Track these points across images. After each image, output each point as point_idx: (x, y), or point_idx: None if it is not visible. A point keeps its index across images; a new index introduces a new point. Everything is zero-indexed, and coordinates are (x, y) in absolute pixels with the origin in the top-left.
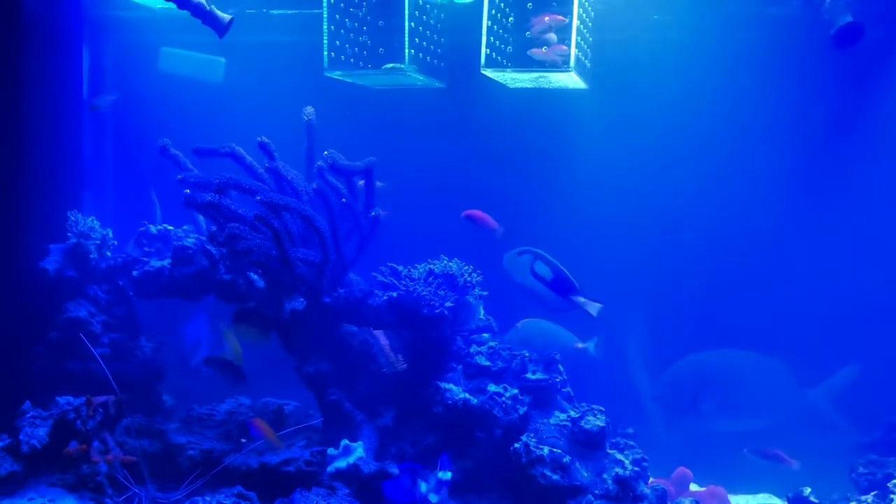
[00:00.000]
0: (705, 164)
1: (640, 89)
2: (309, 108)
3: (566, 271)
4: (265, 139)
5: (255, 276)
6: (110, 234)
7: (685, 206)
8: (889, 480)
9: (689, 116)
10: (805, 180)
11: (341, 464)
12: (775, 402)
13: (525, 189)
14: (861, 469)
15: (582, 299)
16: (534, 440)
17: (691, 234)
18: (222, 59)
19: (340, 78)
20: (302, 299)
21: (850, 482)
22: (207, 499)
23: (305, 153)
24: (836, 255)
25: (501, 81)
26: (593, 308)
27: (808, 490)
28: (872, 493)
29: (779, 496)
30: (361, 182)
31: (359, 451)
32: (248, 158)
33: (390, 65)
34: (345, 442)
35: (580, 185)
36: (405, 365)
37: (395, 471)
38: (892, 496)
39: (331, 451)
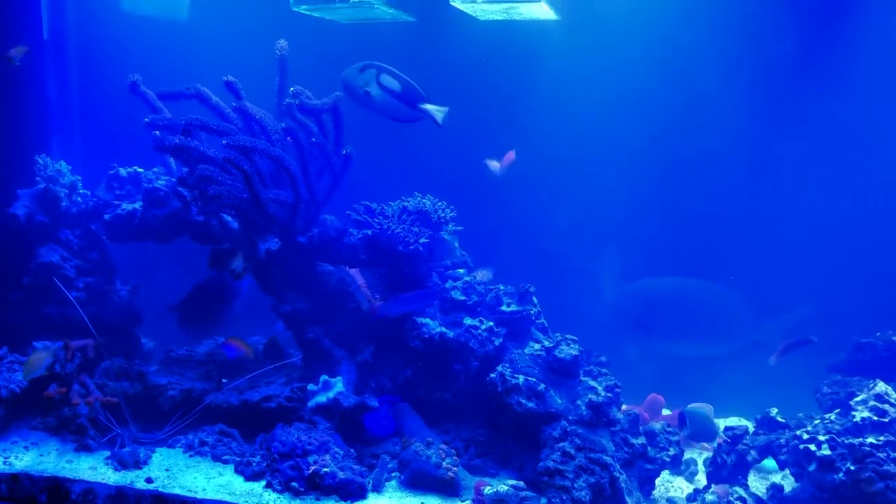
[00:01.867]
0: (676, 99)
1: (612, 20)
2: (282, 41)
3: (412, 81)
4: (231, 78)
5: (228, 218)
6: (79, 180)
7: (656, 141)
8: (851, 398)
9: (661, 49)
10: (772, 118)
11: (322, 399)
12: (728, 330)
13: (495, 123)
14: (825, 389)
15: (429, 106)
16: (509, 370)
17: (662, 168)
18: None
19: (307, 12)
20: (276, 239)
21: (815, 402)
22: (190, 437)
23: (277, 89)
24: (803, 192)
25: (472, 14)
26: (439, 114)
27: (774, 411)
28: (835, 412)
29: (748, 418)
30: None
31: (338, 385)
32: (215, 99)
33: None
34: (324, 377)
35: (552, 118)
36: (381, 300)
37: (374, 404)
38: (853, 413)
39: (311, 386)
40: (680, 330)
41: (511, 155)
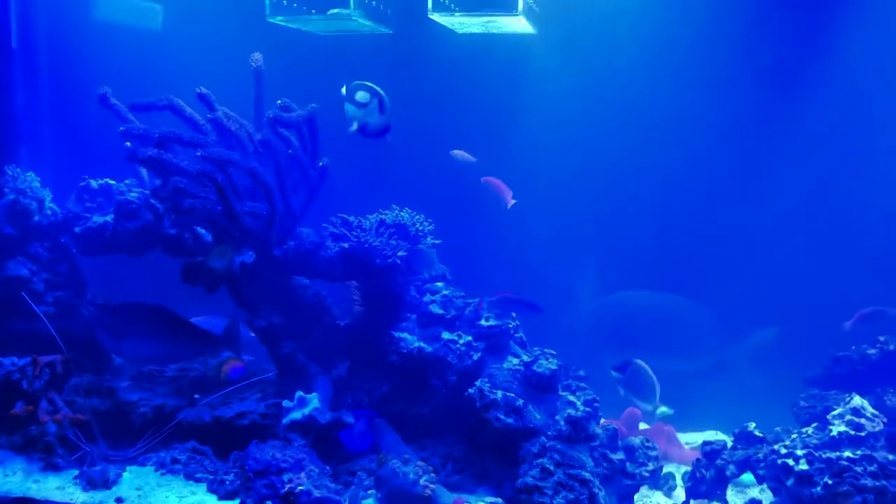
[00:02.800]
0: (655, 113)
1: (590, 34)
2: (256, 54)
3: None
4: (204, 90)
5: (202, 231)
6: (49, 192)
7: (635, 154)
8: (828, 413)
9: (639, 63)
10: (749, 135)
11: (297, 415)
12: (699, 347)
13: (474, 137)
14: (802, 403)
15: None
16: (488, 385)
17: (640, 180)
18: (160, 6)
19: (283, 24)
20: (251, 252)
21: (792, 416)
22: (162, 454)
23: (254, 101)
24: (779, 208)
25: (450, 27)
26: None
27: (752, 425)
28: (813, 426)
29: (725, 432)
30: None
31: (314, 402)
32: (189, 110)
33: (335, 10)
34: (299, 393)
35: (531, 132)
36: (357, 315)
37: (350, 420)
38: (830, 427)
39: (286, 403)
40: (653, 343)
41: (503, 188)
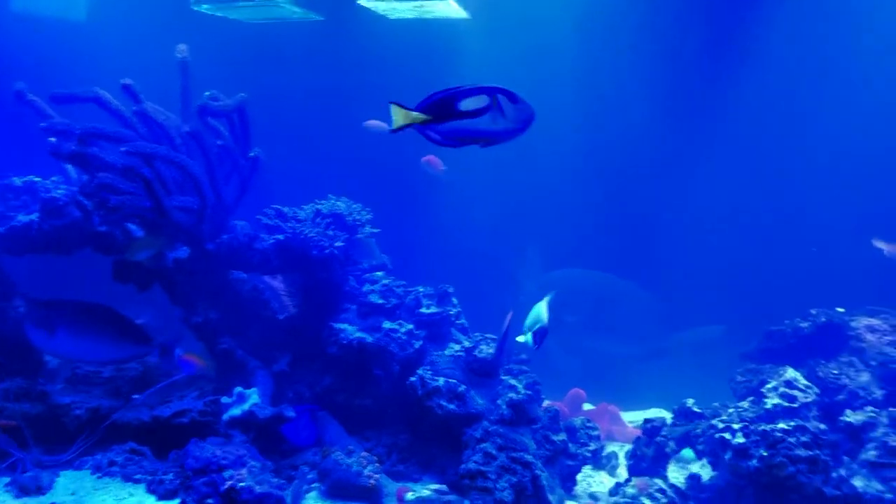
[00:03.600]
0: (592, 99)
1: (523, 19)
2: (182, 45)
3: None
4: (128, 81)
5: (133, 227)
6: None
7: (571, 139)
8: (763, 386)
9: (575, 49)
10: (686, 127)
11: (236, 411)
12: (639, 333)
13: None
14: (739, 378)
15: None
16: (429, 372)
17: (581, 166)
18: None
19: (209, 12)
20: (184, 248)
21: (730, 391)
22: (98, 457)
23: (181, 93)
24: (715, 195)
25: (381, 12)
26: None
27: (690, 401)
28: (749, 399)
29: (669, 411)
30: None
31: (253, 397)
32: (115, 103)
33: None
34: (239, 389)
35: None
36: (297, 308)
37: (291, 414)
38: (765, 400)
39: (225, 399)
40: (594, 322)
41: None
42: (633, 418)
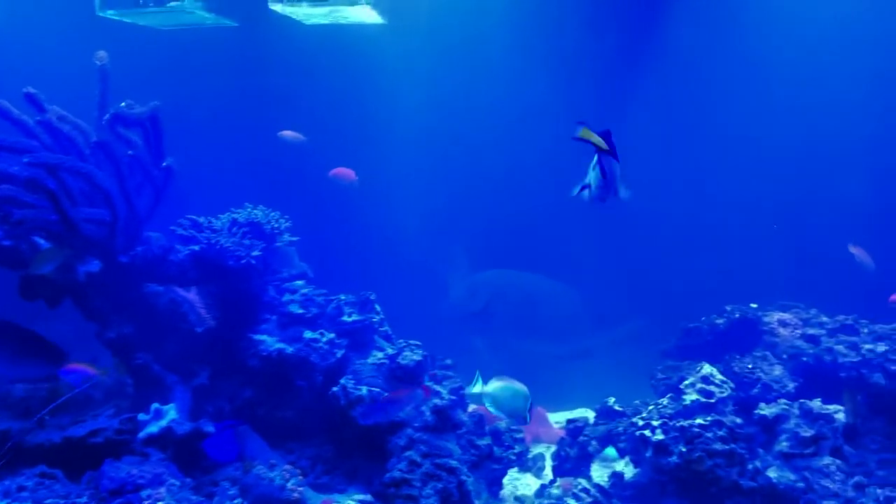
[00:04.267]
0: (505, 98)
1: (440, 24)
2: (101, 53)
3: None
4: (32, 90)
5: (40, 240)
6: None
7: (491, 140)
8: (682, 382)
9: (488, 52)
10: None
11: (153, 429)
12: (565, 332)
13: (330, 128)
14: (659, 375)
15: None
16: (352, 382)
17: (499, 166)
18: None
19: (115, 17)
20: (96, 261)
21: (651, 388)
22: (7, 482)
23: (98, 102)
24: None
25: (296, 18)
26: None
27: (611, 400)
28: (668, 396)
29: (594, 410)
30: None
31: (171, 413)
32: (16, 112)
33: (174, 3)
34: (156, 405)
35: (388, 122)
36: (216, 320)
37: (210, 429)
38: (683, 396)
39: (141, 416)
40: (520, 321)
41: (346, 171)
42: (560, 419)
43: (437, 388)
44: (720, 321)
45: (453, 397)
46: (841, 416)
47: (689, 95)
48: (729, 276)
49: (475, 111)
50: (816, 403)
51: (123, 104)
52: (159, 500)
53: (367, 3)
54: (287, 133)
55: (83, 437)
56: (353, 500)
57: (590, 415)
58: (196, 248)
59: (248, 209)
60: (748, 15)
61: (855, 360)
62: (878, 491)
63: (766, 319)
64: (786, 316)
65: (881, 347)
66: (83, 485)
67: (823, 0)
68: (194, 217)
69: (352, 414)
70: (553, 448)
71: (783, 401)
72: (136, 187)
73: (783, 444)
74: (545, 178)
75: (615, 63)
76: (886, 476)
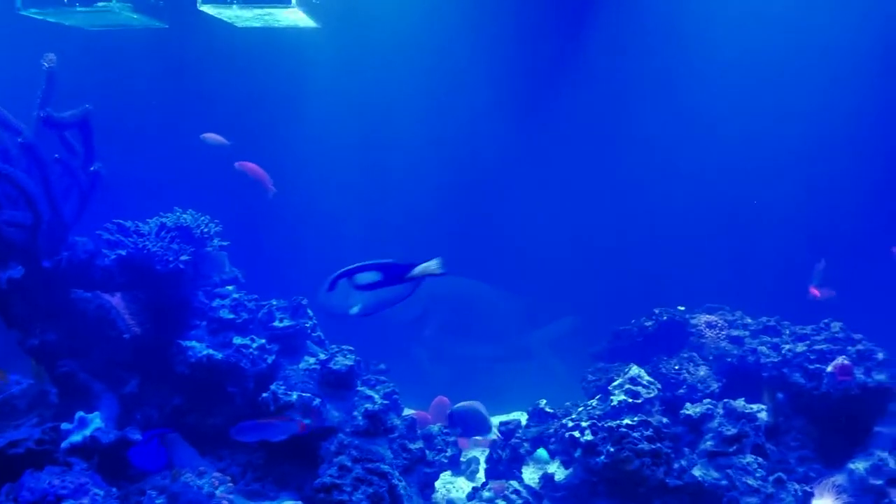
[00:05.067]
0: (438, 103)
1: (371, 26)
2: (50, 55)
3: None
4: None
5: None
6: None
7: (422, 144)
8: (610, 384)
9: (421, 53)
10: (537, 131)
11: (77, 438)
12: (500, 333)
13: (258, 131)
14: (590, 377)
15: (420, 267)
16: (282, 387)
17: (432, 171)
18: None
19: (37, 17)
20: (18, 266)
21: (582, 391)
22: None
23: (39, 103)
24: (567, 199)
25: (227, 20)
26: (434, 266)
27: (543, 402)
28: (597, 397)
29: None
30: None
31: (96, 422)
32: None
33: (102, 3)
34: (80, 414)
35: (322, 126)
36: (144, 327)
37: (137, 437)
38: (612, 397)
39: (65, 425)
40: (456, 327)
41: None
42: (497, 423)
43: (370, 392)
44: (649, 323)
45: (386, 402)
46: (763, 416)
47: (621, 99)
48: (660, 278)
49: (409, 116)
50: (740, 403)
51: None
52: None
53: (298, 7)
54: (210, 136)
55: (2, 448)
56: None
57: (524, 418)
58: (123, 252)
59: (178, 213)
60: (676, 19)
61: (776, 360)
62: (797, 486)
63: (693, 321)
64: (712, 318)
65: (801, 348)
66: (2, 497)
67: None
68: (121, 221)
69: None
70: (488, 451)
71: (708, 401)
72: (63, 191)
73: (708, 443)
74: (481, 182)
75: (548, 68)
76: (805, 472)
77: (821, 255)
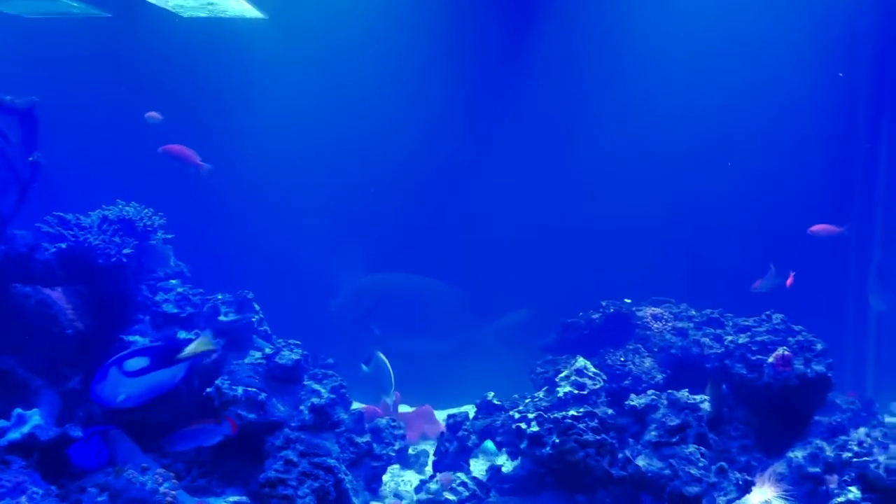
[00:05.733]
0: (391, 97)
1: (320, 16)
2: None
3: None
4: None
5: None
6: None
7: (372, 138)
8: (557, 375)
9: (372, 46)
10: (491, 126)
11: (15, 435)
12: (450, 328)
13: (205, 123)
14: (539, 369)
15: (189, 349)
16: (227, 382)
17: (377, 167)
18: None
19: None
20: None
21: (530, 383)
22: None
23: None
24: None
25: (171, 9)
26: (202, 345)
27: (491, 394)
28: (544, 389)
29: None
30: None
31: (35, 419)
32: None
33: None
34: (18, 411)
35: (274, 119)
36: (86, 322)
37: (78, 434)
38: (558, 389)
39: (2, 422)
40: (405, 323)
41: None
42: (445, 416)
43: (317, 386)
44: (596, 316)
45: (333, 396)
46: (706, 406)
47: (572, 94)
48: (609, 272)
49: (358, 109)
50: (683, 394)
51: None
52: None
53: None
54: (152, 114)
55: None
56: (228, 502)
57: (472, 411)
58: (63, 245)
59: (120, 206)
60: (630, 11)
61: (719, 351)
62: (738, 475)
63: (639, 314)
64: (658, 310)
65: (743, 339)
66: None
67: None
68: (61, 214)
69: (226, 415)
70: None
71: (652, 392)
72: (3, 184)
73: (652, 434)
74: (430, 177)
75: (500, 61)
76: (747, 461)
77: (769, 258)
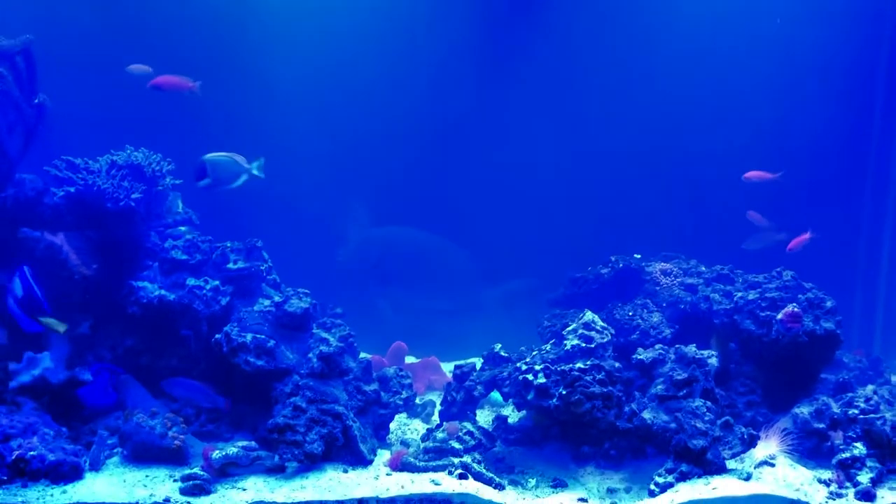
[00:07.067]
0: (398, 51)
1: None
2: None
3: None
4: None
5: None
6: None
7: (385, 95)
8: (565, 329)
9: (355, 37)
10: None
11: (25, 378)
12: (454, 288)
13: (213, 74)
14: (546, 322)
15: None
16: (236, 329)
17: (396, 124)
18: None
19: None
20: None
21: (538, 336)
22: None
23: None
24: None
25: None
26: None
27: (498, 346)
28: (551, 342)
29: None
30: None
31: (45, 361)
32: None
33: None
34: (29, 354)
35: (272, 71)
36: (95, 267)
37: (87, 377)
38: (565, 342)
39: (13, 365)
40: (410, 277)
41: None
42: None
43: (325, 335)
44: (605, 270)
45: (341, 344)
46: (714, 361)
47: (578, 52)
48: (619, 228)
49: (368, 69)
50: (691, 349)
51: None
52: (31, 450)
53: None
54: (135, 66)
55: None
56: (235, 446)
57: (479, 362)
58: (72, 189)
59: (129, 151)
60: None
61: (728, 307)
62: (743, 430)
63: (648, 269)
64: (667, 266)
65: (752, 295)
66: None
67: None
68: (70, 158)
69: (235, 361)
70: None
71: (660, 346)
72: (8, 126)
73: (658, 387)
74: (442, 135)
75: (507, 22)
76: (753, 416)
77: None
